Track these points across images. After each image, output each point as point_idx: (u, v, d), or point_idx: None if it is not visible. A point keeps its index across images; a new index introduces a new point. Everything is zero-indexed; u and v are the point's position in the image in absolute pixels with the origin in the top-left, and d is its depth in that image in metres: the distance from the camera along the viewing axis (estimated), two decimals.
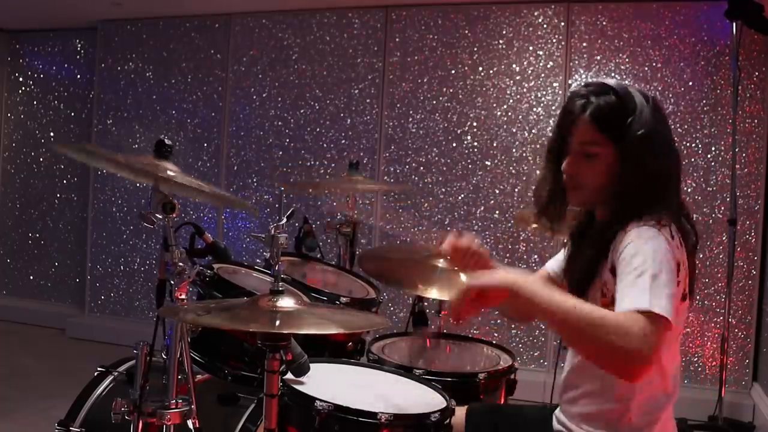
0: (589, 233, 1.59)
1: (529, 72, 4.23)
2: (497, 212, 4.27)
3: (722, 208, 3.88)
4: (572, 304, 1.31)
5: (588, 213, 1.64)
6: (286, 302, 1.53)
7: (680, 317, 1.40)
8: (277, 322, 1.47)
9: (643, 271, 1.31)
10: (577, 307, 1.30)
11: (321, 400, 1.53)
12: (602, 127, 1.46)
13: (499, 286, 1.38)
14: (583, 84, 1.55)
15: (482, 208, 4.31)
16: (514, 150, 4.25)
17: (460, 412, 1.75)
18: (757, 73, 3.85)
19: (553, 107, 4.16)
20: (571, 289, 1.53)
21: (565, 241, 1.72)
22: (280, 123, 4.74)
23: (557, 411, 1.66)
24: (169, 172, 1.62)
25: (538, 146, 4.19)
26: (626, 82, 1.54)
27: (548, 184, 1.61)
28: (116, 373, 2.11)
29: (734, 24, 3.58)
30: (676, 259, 1.36)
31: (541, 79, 4.20)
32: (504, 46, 4.27)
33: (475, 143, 4.32)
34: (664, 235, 1.37)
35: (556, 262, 1.77)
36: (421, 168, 4.42)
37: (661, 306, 1.26)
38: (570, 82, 4.14)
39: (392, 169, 4.48)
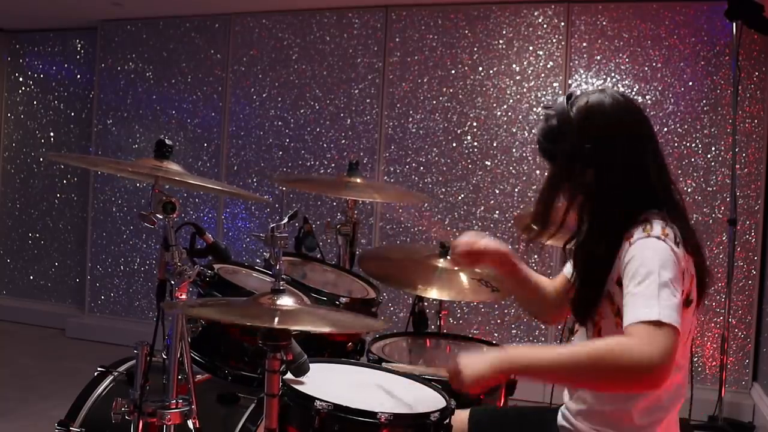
0: (588, 245, 1.57)
1: (529, 72, 4.23)
2: (497, 212, 4.27)
3: (722, 208, 3.88)
4: (567, 352, 1.35)
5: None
6: (285, 301, 1.53)
7: (685, 323, 1.41)
8: (276, 319, 1.47)
9: (648, 281, 1.33)
10: (573, 353, 1.34)
11: (321, 400, 1.53)
12: (546, 155, 1.59)
13: (492, 374, 1.40)
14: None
15: (482, 208, 4.31)
16: (514, 150, 4.25)
17: (462, 415, 1.74)
18: (757, 73, 3.85)
19: None
20: (582, 305, 1.56)
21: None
22: (280, 123, 4.74)
23: (563, 407, 1.68)
24: (172, 167, 1.63)
25: (538, 146, 4.18)
26: (585, 90, 1.58)
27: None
28: (116, 373, 2.10)
29: (734, 24, 3.58)
30: (680, 267, 1.38)
31: (541, 79, 4.20)
32: (504, 46, 4.28)
33: (475, 143, 4.33)
34: (668, 244, 1.38)
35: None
36: (421, 168, 4.42)
37: (666, 314, 1.29)
38: (570, 82, 4.14)
39: (392, 169, 4.48)
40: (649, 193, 1.49)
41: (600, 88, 1.58)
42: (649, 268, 1.35)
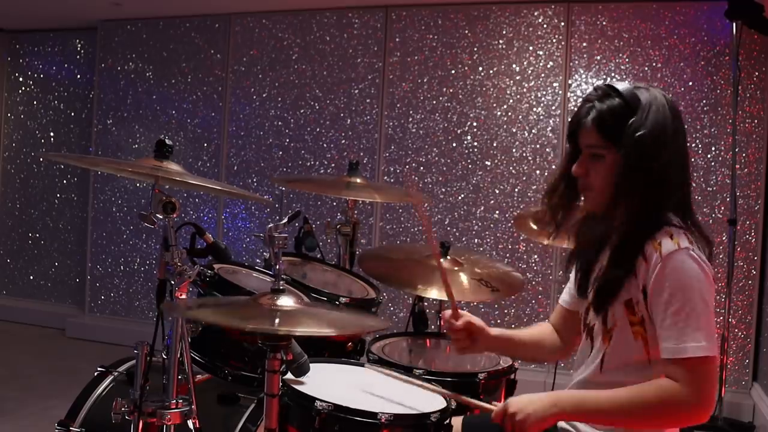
0: (609, 244, 1.56)
1: (529, 72, 4.23)
2: (497, 212, 4.27)
3: (722, 208, 3.88)
4: (620, 399, 1.40)
5: (594, 220, 1.62)
6: (285, 301, 1.53)
7: None
8: (277, 321, 1.46)
9: (687, 308, 1.36)
10: (625, 400, 1.39)
11: (321, 400, 1.53)
12: (603, 131, 1.49)
13: (549, 420, 1.45)
14: (594, 87, 1.57)
15: (482, 208, 4.31)
16: (514, 150, 4.25)
17: (456, 422, 1.73)
18: (757, 73, 3.85)
19: (553, 107, 4.16)
20: (594, 303, 1.54)
21: (570, 249, 1.71)
22: (280, 123, 4.74)
23: None
24: (172, 167, 1.63)
25: (538, 146, 4.20)
26: (641, 83, 1.57)
27: (561, 184, 1.63)
28: (116, 373, 2.10)
29: (734, 24, 3.58)
30: (711, 285, 1.40)
31: (541, 79, 4.20)
32: (504, 46, 4.27)
33: (475, 143, 4.33)
34: (698, 263, 1.40)
35: (568, 295, 1.77)
36: (421, 168, 4.42)
37: (708, 348, 1.34)
38: (570, 82, 4.14)
39: (392, 169, 4.48)
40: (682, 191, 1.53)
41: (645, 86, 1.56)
42: (687, 292, 1.37)
